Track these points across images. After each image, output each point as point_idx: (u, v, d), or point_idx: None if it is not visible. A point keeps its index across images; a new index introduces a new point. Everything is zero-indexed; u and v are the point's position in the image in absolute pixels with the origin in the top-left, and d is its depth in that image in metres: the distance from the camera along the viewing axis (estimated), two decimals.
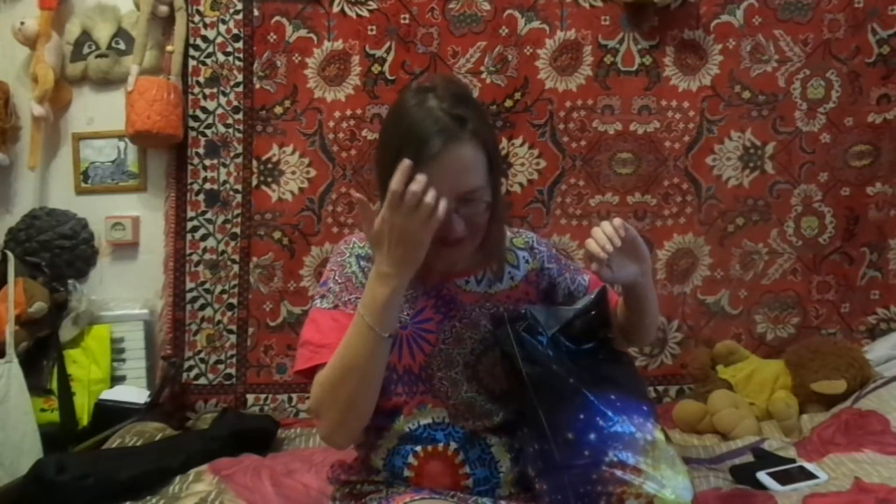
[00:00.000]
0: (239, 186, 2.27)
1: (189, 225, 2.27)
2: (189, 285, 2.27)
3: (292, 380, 2.25)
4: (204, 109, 2.26)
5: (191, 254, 2.27)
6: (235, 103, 2.26)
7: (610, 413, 1.08)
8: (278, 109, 2.26)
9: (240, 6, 2.24)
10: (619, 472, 1.05)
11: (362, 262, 1.20)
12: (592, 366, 1.15)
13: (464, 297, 1.22)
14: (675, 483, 1.07)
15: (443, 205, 1.00)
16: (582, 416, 1.07)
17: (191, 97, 2.25)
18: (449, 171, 1.06)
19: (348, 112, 2.25)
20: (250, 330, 2.27)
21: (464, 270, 1.24)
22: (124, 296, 2.31)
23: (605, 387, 1.11)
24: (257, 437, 1.93)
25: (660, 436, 1.10)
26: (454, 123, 1.07)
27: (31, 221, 2.28)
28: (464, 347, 1.19)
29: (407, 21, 2.24)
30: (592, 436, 1.06)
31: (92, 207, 2.31)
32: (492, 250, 1.22)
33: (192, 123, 2.25)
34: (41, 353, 2.10)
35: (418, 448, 1.16)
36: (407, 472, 1.17)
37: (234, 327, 2.27)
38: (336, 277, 1.20)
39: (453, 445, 1.16)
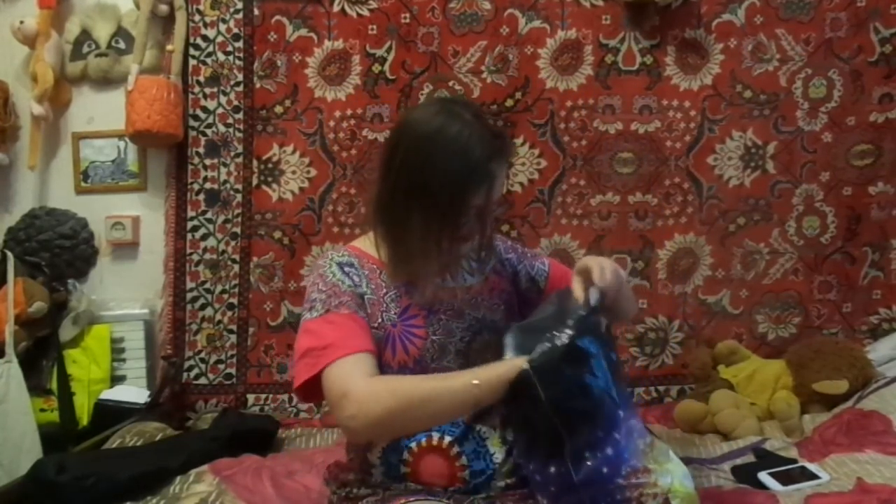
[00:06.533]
0: (239, 186, 2.26)
1: (189, 224, 2.26)
2: (189, 285, 2.26)
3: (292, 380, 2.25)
4: (204, 109, 2.25)
5: (191, 253, 2.26)
6: (236, 103, 2.25)
7: (623, 426, 1.10)
8: (279, 109, 2.25)
9: (240, 5, 2.23)
10: (633, 479, 1.09)
11: (346, 269, 1.22)
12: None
13: (443, 293, 1.24)
14: (679, 472, 1.13)
15: None
16: (601, 434, 1.08)
17: (191, 97, 2.24)
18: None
19: (349, 112, 2.24)
20: (250, 330, 2.27)
21: None
22: (124, 296, 2.30)
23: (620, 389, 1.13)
24: (258, 438, 1.93)
25: (651, 434, 1.17)
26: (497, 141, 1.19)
27: (30, 221, 2.28)
28: (453, 336, 1.23)
29: (407, 20, 2.23)
30: (610, 451, 1.08)
31: (92, 207, 2.31)
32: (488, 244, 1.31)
33: (192, 123, 2.24)
34: (41, 353, 2.10)
35: (412, 444, 1.17)
36: (403, 469, 1.17)
37: (234, 327, 2.26)
38: (320, 287, 1.21)
39: (448, 438, 1.16)
